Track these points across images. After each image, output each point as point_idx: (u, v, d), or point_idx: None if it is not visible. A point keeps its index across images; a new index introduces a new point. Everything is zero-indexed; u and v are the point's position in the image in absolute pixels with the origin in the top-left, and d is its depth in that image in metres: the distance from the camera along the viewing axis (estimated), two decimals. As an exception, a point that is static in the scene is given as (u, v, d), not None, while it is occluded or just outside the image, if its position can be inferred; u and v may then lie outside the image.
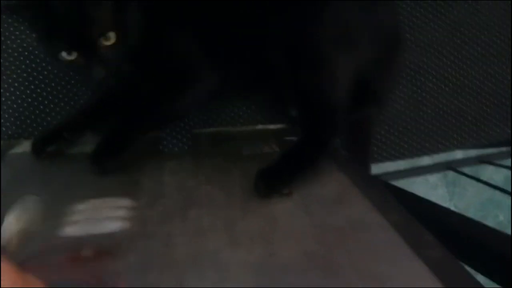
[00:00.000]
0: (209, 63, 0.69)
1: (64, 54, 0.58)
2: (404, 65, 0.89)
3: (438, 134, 0.91)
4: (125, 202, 0.53)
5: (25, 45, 0.79)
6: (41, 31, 0.60)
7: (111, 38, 0.59)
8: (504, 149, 0.96)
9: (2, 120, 0.78)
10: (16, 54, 0.79)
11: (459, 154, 0.99)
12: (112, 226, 0.48)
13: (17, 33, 0.79)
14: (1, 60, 0.78)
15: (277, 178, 0.56)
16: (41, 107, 0.80)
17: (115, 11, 0.59)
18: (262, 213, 0.51)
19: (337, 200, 0.55)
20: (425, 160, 0.91)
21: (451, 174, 1.45)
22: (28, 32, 0.79)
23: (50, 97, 0.80)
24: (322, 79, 0.64)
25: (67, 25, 0.57)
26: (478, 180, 0.79)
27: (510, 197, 0.84)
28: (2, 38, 0.79)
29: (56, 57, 0.59)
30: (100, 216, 0.50)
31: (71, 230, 0.48)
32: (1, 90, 0.78)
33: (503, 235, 0.57)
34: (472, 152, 1.00)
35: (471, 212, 1.45)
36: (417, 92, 0.90)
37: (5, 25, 0.79)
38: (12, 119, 0.78)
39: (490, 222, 1.46)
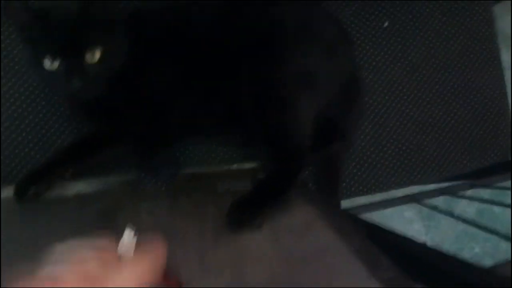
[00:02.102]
0: (184, 93, 0.74)
1: (47, 62, 0.61)
2: (367, 104, 0.95)
3: (402, 169, 0.96)
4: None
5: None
6: (31, 34, 0.62)
7: (97, 54, 0.62)
8: (463, 182, 1.01)
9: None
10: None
11: (425, 186, 1.04)
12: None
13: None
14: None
15: (247, 211, 0.60)
16: (20, 152, 0.83)
17: (106, 31, 0.64)
18: (233, 242, 0.55)
19: (304, 229, 0.58)
20: (393, 193, 0.96)
21: (425, 209, 1.50)
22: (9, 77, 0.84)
23: (29, 143, 0.83)
24: (286, 120, 0.70)
25: (58, 32, 0.60)
26: (451, 215, 0.83)
27: (483, 230, 0.89)
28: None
29: (38, 64, 0.62)
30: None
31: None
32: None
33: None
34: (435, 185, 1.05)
35: (447, 245, 1.48)
36: (380, 129, 0.96)
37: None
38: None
39: (466, 254, 1.50)
